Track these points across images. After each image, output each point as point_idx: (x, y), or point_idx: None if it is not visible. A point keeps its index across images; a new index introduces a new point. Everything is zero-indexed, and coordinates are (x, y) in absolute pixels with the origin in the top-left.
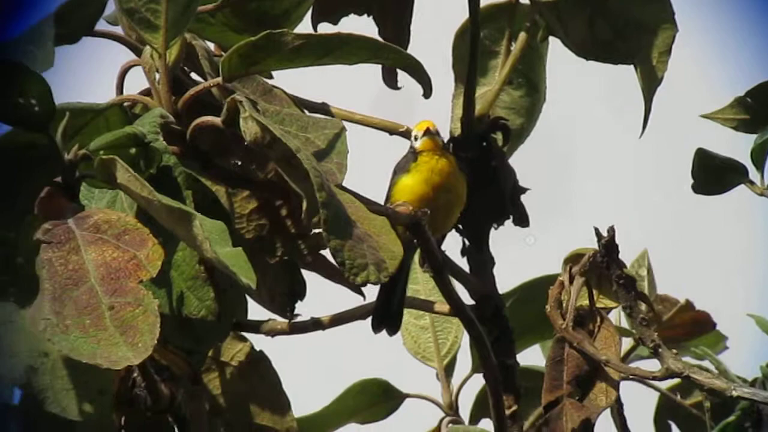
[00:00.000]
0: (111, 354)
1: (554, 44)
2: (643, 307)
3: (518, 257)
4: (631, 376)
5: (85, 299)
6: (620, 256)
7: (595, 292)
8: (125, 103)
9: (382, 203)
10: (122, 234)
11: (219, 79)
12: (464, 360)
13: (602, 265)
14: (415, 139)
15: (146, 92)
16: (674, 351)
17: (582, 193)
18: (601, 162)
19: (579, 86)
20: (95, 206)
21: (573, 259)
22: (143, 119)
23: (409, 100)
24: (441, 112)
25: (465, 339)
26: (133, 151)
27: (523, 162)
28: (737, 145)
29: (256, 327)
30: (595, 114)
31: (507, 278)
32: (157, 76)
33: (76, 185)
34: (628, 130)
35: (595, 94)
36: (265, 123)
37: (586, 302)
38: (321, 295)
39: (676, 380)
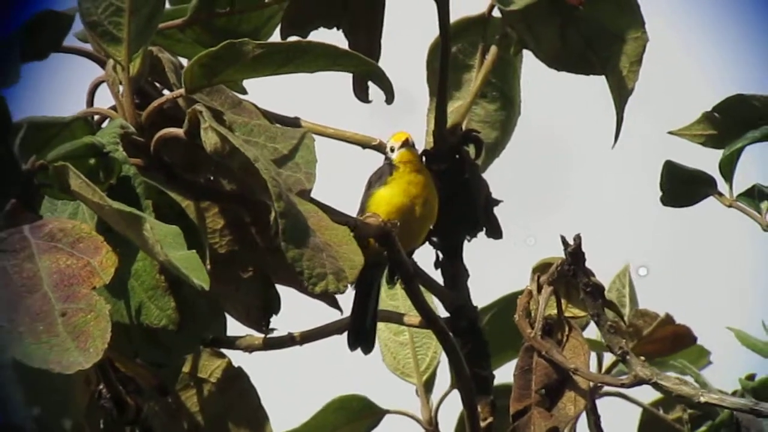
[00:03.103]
0: (62, 359)
1: (529, 58)
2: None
3: (497, 269)
4: (601, 384)
5: (38, 306)
6: (599, 269)
7: (563, 301)
8: (95, 117)
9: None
10: (77, 242)
11: (182, 91)
12: (444, 376)
13: (569, 274)
14: (392, 150)
15: (114, 107)
16: (642, 358)
17: (560, 205)
18: (579, 173)
19: (555, 98)
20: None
21: (541, 269)
22: (103, 130)
23: (384, 116)
24: (417, 127)
25: (444, 355)
26: (92, 161)
27: (500, 174)
28: (713, 154)
29: (233, 343)
30: (572, 126)
31: (488, 290)
32: (121, 88)
33: (35, 195)
34: (603, 141)
35: (572, 105)
36: (224, 133)
37: (554, 311)
38: (301, 310)
39: (659, 395)
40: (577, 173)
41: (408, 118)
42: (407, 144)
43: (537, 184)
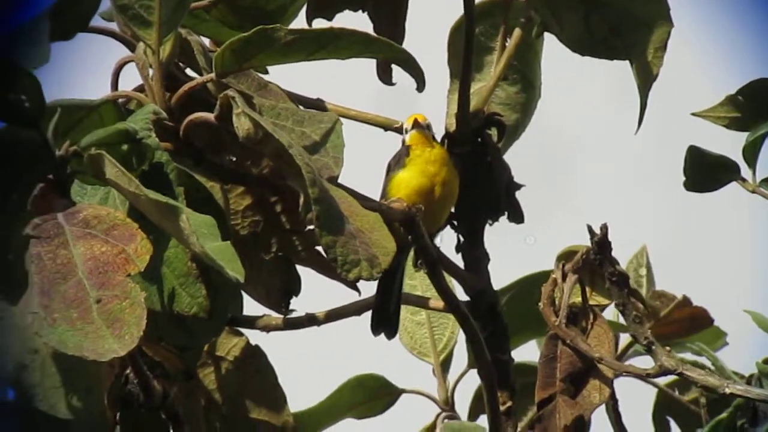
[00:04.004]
0: (97, 346)
1: (550, 40)
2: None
3: (516, 253)
4: (625, 373)
5: (72, 293)
6: (615, 252)
7: (588, 289)
8: (120, 100)
9: (377, 199)
10: (111, 229)
11: (212, 75)
12: (460, 356)
13: (595, 263)
14: (406, 132)
15: (141, 89)
16: (668, 348)
17: (579, 189)
18: (598, 158)
19: (576, 82)
20: (87, 202)
21: (566, 256)
22: (135, 116)
23: (407, 97)
24: (439, 108)
25: (461, 335)
26: (125, 147)
27: (520, 158)
28: (736, 140)
29: (252, 322)
30: (592, 110)
31: (505, 274)
32: (151, 72)
33: (68, 181)
34: (625, 126)
35: (592, 90)
36: (257, 119)
37: (579, 299)
38: (317, 290)
39: (674, 376)
40: (596, 157)
41: (428, 99)
42: (417, 125)
43: (556, 169)
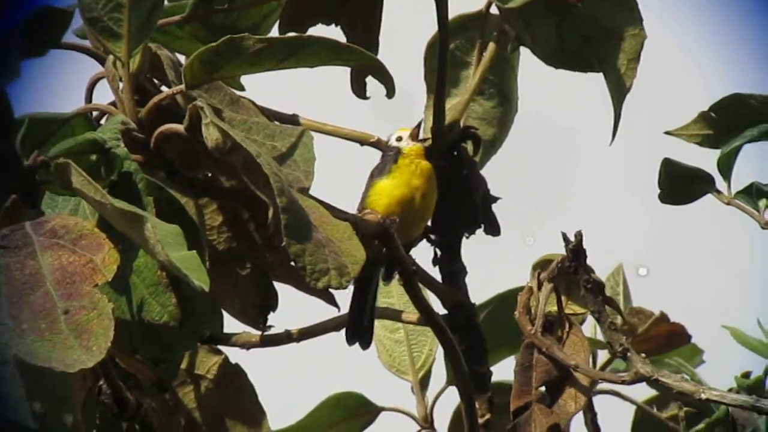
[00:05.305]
0: (66, 357)
1: (526, 55)
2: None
3: (492, 267)
4: (601, 381)
5: (40, 303)
6: (589, 262)
7: (563, 298)
8: (94, 114)
9: (354, 210)
10: (79, 239)
11: (182, 87)
12: (439, 373)
13: (570, 271)
14: (399, 140)
15: (114, 103)
16: (643, 355)
17: (557, 202)
18: (577, 170)
19: (553, 95)
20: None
21: (542, 265)
22: (104, 126)
23: (382, 113)
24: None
25: (439, 352)
26: (93, 157)
27: (497, 171)
28: (714, 151)
29: (230, 339)
30: (569, 123)
31: (483, 288)
32: (121, 85)
33: (37, 192)
34: (600, 138)
35: (571, 102)
36: (225, 128)
37: (555, 308)
38: (297, 307)
39: (653, 393)
40: (574, 170)
41: (406, 115)
42: (421, 139)
43: (534, 181)
